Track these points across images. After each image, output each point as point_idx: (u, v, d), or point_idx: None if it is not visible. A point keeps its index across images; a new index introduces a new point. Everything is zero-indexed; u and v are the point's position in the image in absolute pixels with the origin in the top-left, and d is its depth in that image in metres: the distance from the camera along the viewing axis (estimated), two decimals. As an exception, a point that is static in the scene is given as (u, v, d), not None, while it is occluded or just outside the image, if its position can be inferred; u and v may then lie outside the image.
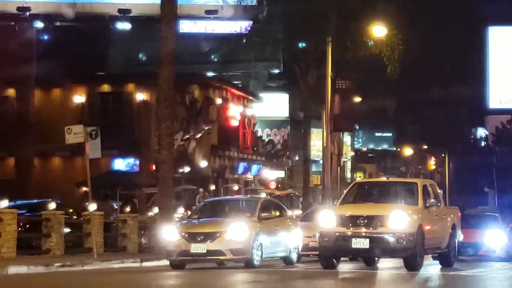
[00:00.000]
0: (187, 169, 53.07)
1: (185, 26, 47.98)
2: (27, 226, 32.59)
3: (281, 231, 29.95)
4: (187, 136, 55.65)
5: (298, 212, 36.07)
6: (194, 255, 27.18)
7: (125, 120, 55.67)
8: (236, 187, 54.61)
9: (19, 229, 31.39)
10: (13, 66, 54.26)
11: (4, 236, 29.66)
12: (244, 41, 61.39)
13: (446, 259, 28.05)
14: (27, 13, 54.47)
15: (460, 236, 30.91)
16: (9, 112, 58.17)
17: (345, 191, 31.80)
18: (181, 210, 33.39)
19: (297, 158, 68.03)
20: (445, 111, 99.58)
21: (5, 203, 38.30)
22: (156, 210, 36.87)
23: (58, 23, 57.42)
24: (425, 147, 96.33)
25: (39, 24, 56.74)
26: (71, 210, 37.50)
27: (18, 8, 53.68)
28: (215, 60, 67.05)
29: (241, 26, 58.36)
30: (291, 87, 67.25)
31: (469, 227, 34.73)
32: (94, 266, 28.65)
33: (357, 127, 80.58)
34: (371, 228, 25.47)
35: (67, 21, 57.06)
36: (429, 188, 29.20)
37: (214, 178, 58.09)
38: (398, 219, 25.48)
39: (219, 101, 65.21)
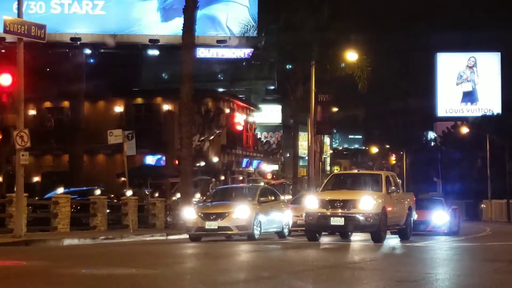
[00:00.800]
0: (202, 163, 53.17)
1: (201, 52, 47.96)
2: (78, 207, 32.71)
3: (275, 211, 30.15)
4: (202, 138, 55.66)
5: (288, 197, 36.22)
6: (208, 230, 27.50)
7: (154, 126, 55.63)
8: (240, 178, 54.60)
9: (72, 210, 31.78)
10: (67, 84, 54.39)
11: (60, 215, 29.98)
12: (246, 64, 61.29)
13: (404, 234, 28.35)
14: (78, 42, 54.42)
15: (414, 216, 31.19)
16: (64, 119, 58.25)
17: (325, 181, 32.18)
18: (197, 195, 33.64)
19: (288, 155, 68.04)
20: (403, 118, 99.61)
21: (61, 190, 38.55)
22: (178, 195, 37.14)
23: (102, 50, 57.39)
24: (388, 146, 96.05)
25: (87, 51, 56.75)
26: (112, 196, 37.52)
27: (72, 39, 53.63)
28: (224, 78, 67.06)
29: (244, 52, 58.22)
30: (283, 100, 67.29)
31: (421, 209, 35.02)
32: (130, 239, 29.21)
33: (335, 131, 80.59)
34: (345, 210, 25.94)
35: (109, 48, 57.02)
36: (391, 178, 29.63)
37: (224, 171, 58.09)
38: (366, 202, 25.93)
39: (227, 110, 65.26)
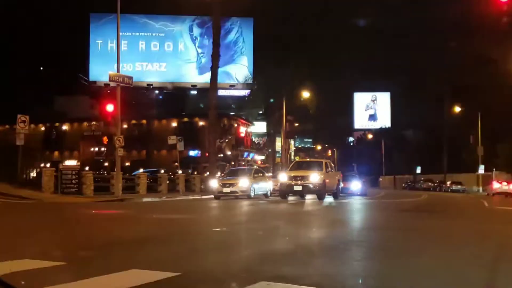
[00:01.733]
0: (221, 155, 53.08)
1: (220, 92, 47.89)
2: (151, 180, 32.48)
3: (262, 182, 29.99)
4: (221, 141, 55.45)
5: (270, 174, 36.16)
6: (224, 193, 27.32)
7: (194, 134, 55.03)
8: (243, 163, 54.41)
9: (147, 181, 31.54)
10: (145, 109, 54.70)
11: (140, 184, 29.97)
12: (246, 99, 61.37)
13: (335, 195, 28.14)
14: (151, 86, 54.58)
15: (341, 184, 31.32)
16: (143, 130, 57.82)
17: (290, 165, 32.41)
18: (218, 173, 33.61)
19: (269, 150, 67.42)
20: (335, 128, 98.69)
21: (141, 170, 38.43)
22: (207, 173, 36.99)
23: (164, 91, 57.54)
24: (326, 145, 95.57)
25: (156, 91, 57.01)
26: (170, 173, 37.26)
27: (147, 84, 54.17)
28: (234, 107, 66.82)
29: (245, 92, 58.47)
30: (267, 119, 66.71)
31: (345, 181, 35.12)
32: (180, 198, 28.52)
33: (296, 136, 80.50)
34: (302, 181, 25.93)
35: (168, 90, 57.15)
36: (328, 163, 29.68)
37: (233, 159, 57.82)
38: (314, 177, 25.95)
39: (235, 125, 64.97)
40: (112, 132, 29.89)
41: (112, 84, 26.88)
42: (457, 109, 66.69)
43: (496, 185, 48.67)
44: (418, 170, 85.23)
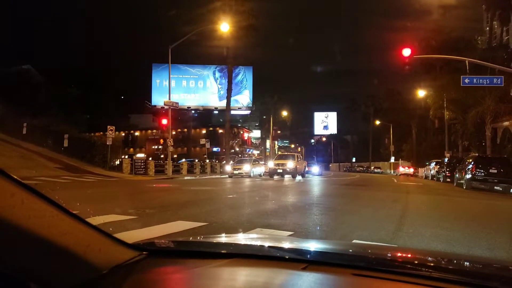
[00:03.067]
0: (232, 150, 52.93)
1: (232, 112, 47.48)
2: (189, 166, 32.27)
3: (258, 167, 29.91)
4: (233, 142, 55.38)
5: (262, 162, 36.04)
6: (235, 174, 27.17)
7: (217, 137, 54.87)
8: (246, 156, 54.27)
9: (187, 167, 31.11)
10: (185, 123, 54.41)
11: (183, 168, 29.76)
12: (248, 116, 61.21)
13: (303, 175, 27.93)
14: (190, 108, 54.27)
15: (306, 168, 31.17)
16: (185, 135, 57.36)
17: (276, 156, 32.06)
18: (231, 162, 33.38)
19: (262, 148, 67.58)
20: (303, 135, 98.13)
21: (184, 159, 38.25)
22: (224, 162, 36.70)
23: (198, 110, 57.28)
24: (297, 144, 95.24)
25: (193, 111, 56.61)
26: (201, 161, 36.86)
27: (187, 107, 53.51)
28: (241, 121, 66.53)
29: (248, 112, 58.08)
30: (261, 128, 66.83)
31: (309, 166, 34.94)
32: (207, 177, 27.90)
33: (279, 139, 79.94)
34: (283, 166, 25.79)
35: (199, 110, 56.87)
36: (298, 156, 29.52)
37: (240, 153, 57.60)
38: (290, 164, 25.81)
39: (241, 132, 64.99)
40: (166, 136, 29.75)
41: (166, 107, 26.72)
42: (378, 122, 66.86)
43: (401, 169, 49.26)
44: (354, 159, 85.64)
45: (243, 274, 1.23)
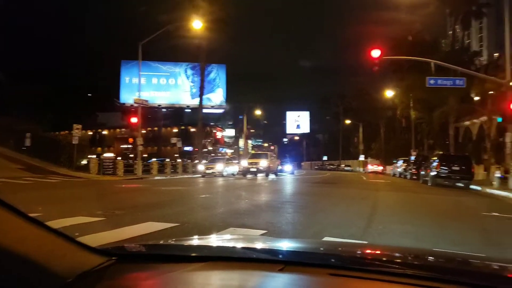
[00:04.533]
0: (205, 150, 52.38)
1: (204, 110, 46.73)
2: (160, 165, 31.27)
3: (231, 166, 29.60)
4: (205, 141, 54.84)
5: (236, 161, 35.64)
6: (207, 173, 26.62)
7: (189, 136, 53.98)
8: (219, 155, 53.70)
9: (158, 166, 29.86)
10: (155, 121, 53.43)
11: (153, 168, 28.88)
12: (221, 115, 60.81)
13: (276, 174, 27.91)
14: (160, 106, 53.30)
15: (279, 167, 31.31)
16: (155, 134, 56.36)
17: (249, 155, 32.01)
18: (204, 161, 32.72)
19: (236, 146, 67.34)
20: (270, 134, 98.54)
21: (154, 159, 37.40)
22: (197, 161, 35.93)
23: (169, 109, 56.34)
24: (271, 143, 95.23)
25: (164, 109, 55.62)
26: (173, 161, 36.17)
27: (158, 105, 52.51)
28: (214, 120, 65.64)
29: (221, 111, 57.65)
30: (235, 127, 66.58)
31: (282, 165, 35.23)
32: (179, 176, 27.19)
33: (252, 138, 79.70)
34: (256, 165, 25.80)
35: (171, 108, 55.96)
36: (271, 154, 29.66)
37: (213, 152, 56.98)
38: (263, 162, 25.86)
39: (214, 131, 64.49)
40: (135, 135, 29.03)
41: (135, 105, 26.08)
42: (348, 121, 68.14)
43: (370, 167, 50.26)
44: (325, 158, 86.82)
45: (218, 278, 1.19)
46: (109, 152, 52.02)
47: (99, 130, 59.42)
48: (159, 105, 53.58)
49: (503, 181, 16.14)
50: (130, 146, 51.75)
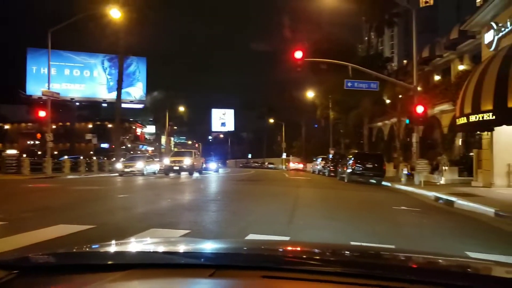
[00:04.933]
0: (124, 147, 50.14)
1: (123, 105, 44.38)
2: (73, 164, 29.03)
3: (152, 164, 28.42)
4: (124, 137, 52.46)
5: (157, 159, 34.27)
6: (126, 172, 25.24)
7: (105, 132, 51.08)
8: (139, 152, 51.50)
9: (71, 164, 27.67)
10: (69, 115, 49.59)
11: (65, 166, 26.59)
12: (141, 110, 58.41)
13: (200, 172, 27.48)
14: (73, 99, 49.66)
15: (204, 165, 30.93)
16: (67, 129, 52.51)
17: (171, 153, 31.18)
18: (122, 159, 31.12)
19: (157, 144, 65.28)
20: (200, 131, 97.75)
21: (66, 156, 34.54)
22: (114, 159, 33.82)
23: (83, 103, 52.64)
24: (195, 141, 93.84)
25: (77, 103, 51.87)
26: (88, 159, 34.01)
27: (71, 98, 48.81)
28: (133, 115, 62.69)
29: (141, 105, 55.45)
30: (156, 124, 64.32)
31: (207, 163, 34.61)
32: (95, 175, 25.64)
33: (175, 135, 77.70)
34: (179, 163, 25.19)
35: (86, 102, 52.37)
36: (195, 152, 29.12)
37: (132, 150, 54.62)
38: (186, 161, 25.33)
39: (134, 127, 61.97)
40: (44, 130, 26.67)
41: (44, 97, 23.90)
42: (271, 120, 70.01)
43: (292, 165, 52.27)
44: (249, 156, 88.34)
45: None
46: (12, 148, 47.37)
47: (1, 125, 54.02)
48: (72, 99, 50.04)
49: (410, 177, 17.84)
50: (37, 142, 47.91)
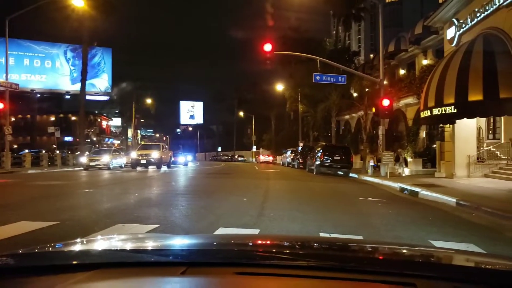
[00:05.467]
0: (88, 140, 48.63)
1: (87, 97, 42.71)
2: (35, 158, 28.11)
3: (119, 158, 27.75)
4: (88, 130, 50.83)
5: (123, 153, 33.38)
6: (91, 166, 24.51)
7: (69, 124, 49.46)
8: (105, 146, 49.93)
9: (32, 159, 26.87)
10: (29, 107, 47.38)
11: (27, 161, 25.65)
12: (107, 102, 56.59)
13: (168, 165, 27.04)
14: (34, 91, 47.53)
15: (172, 159, 30.42)
16: (28, 122, 50.25)
17: (138, 147, 30.47)
18: (86, 153, 30.00)
19: (124, 137, 63.56)
20: (168, 123, 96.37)
21: (27, 150, 33.15)
22: (78, 152, 32.78)
23: (45, 95, 50.37)
24: (162, 134, 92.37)
25: (38, 95, 49.63)
26: (50, 153, 32.80)
27: (31, 90, 46.61)
28: (98, 108, 60.47)
29: (106, 98, 53.59)
30: (122, 117, 62.48)
31: (175, 156, 34.19)
32: (58, 170, 24.59)
33: (142, 128, 75.99)
34: (146, 157, 24.69)
35: (48, 94, 50.15)
36: (163, 145, 28.64)
37: (97, 143, 52.98)
38: (154, 154, 24.88)
39: (99, 120, 60.15)
40: (2, 123, 25.43)
41: (1, 88, 22.69)
42: (241, 113, 69.94)
43: (262, 157, 52.50)
44: (219, 149, 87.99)
45: None
46: (-34, 142, 45.12)
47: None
48: (33, 90, 47.82)
49: (376, 169, 18.32)
50: (-5, 136, 46.05)
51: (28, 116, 50.44)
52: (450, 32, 14.94)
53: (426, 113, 13.36)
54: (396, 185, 12.77)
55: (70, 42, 46.59)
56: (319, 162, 20.86)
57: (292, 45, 33.27)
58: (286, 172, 24.43)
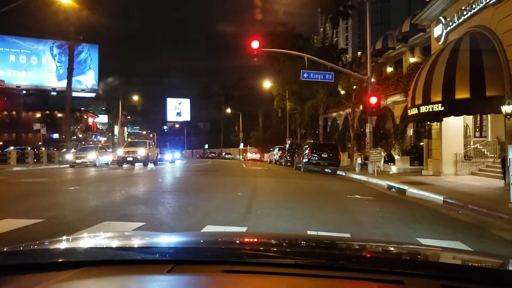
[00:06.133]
0: (74, 137, 47.86)
1: (74, 93, 42.00)
2: (20, 155, 27.66)
3: (105, 155, 27.33)
4: (75, 127, 50.12)
5: (110, 150, 32.92)
6: (77, 163, 24.15)
7: (56, 121, 48.90)
8: (91, 143, 49.06)
9: (17, 156, 26.47)
10: (14, 104, 46.45)
11: (12, 158, 25.21)
12: (93, 99, 55.79)
13: (155, 163, 26.82)
14: (20, 88, 46.62)
15: (159, 156, 30.15)
16: (13, 119, 49.36)
17: (124, 144, 30.08)
18: (73, 150, 29.41)
19: (110, 134, 62.79)
20: (155, 120, 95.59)
21: (11, 148, 32.61)
22: (64, 149, 32.26)
23: (30, 91, 49.45)
24: (149, 131, 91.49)
25: (24, 91, 48.71)
26: (36, 150, 32.31)
27: (16, 86, 45.72)
28: (84, 104, 59.56)
29: (92, 94, 53.01)
30: (108, 114, 61.74)
31: (162, 153, 33.73)
32: (44, 167, 24.23)
33: (128, 125, 74.82)
34: (133, 154, 24.42)
35: (34, 91, 49.28)
36: (150, 143, 28.38)
37: (84, 140, 52.13)
38: (141, 151, 24.63)
39: (85, 116, 59.33)
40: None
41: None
42: (229, 110, 69.77)
43: (249, 155, 52.53)
44: (206, 146, 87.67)
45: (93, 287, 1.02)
46: None
47: None
48: (19, 86, 46.96)
49: (363, 167, 18.45)
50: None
51: (14, 112, 49.49)
52: (437, 30, 15.09)
53: (414, 111, 13.46)
54: (384, 183, 12.86)
55: (56, 38, 45.80)
56: (306, 160, 20.91)
57: (280, 42, 33.28)
58: (274, 169, 24.43)
